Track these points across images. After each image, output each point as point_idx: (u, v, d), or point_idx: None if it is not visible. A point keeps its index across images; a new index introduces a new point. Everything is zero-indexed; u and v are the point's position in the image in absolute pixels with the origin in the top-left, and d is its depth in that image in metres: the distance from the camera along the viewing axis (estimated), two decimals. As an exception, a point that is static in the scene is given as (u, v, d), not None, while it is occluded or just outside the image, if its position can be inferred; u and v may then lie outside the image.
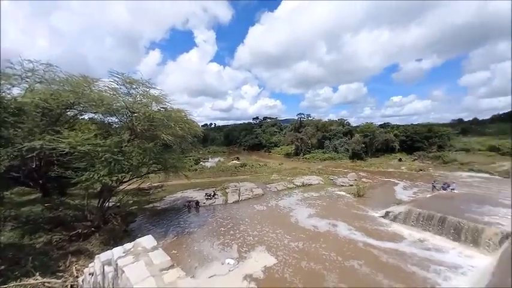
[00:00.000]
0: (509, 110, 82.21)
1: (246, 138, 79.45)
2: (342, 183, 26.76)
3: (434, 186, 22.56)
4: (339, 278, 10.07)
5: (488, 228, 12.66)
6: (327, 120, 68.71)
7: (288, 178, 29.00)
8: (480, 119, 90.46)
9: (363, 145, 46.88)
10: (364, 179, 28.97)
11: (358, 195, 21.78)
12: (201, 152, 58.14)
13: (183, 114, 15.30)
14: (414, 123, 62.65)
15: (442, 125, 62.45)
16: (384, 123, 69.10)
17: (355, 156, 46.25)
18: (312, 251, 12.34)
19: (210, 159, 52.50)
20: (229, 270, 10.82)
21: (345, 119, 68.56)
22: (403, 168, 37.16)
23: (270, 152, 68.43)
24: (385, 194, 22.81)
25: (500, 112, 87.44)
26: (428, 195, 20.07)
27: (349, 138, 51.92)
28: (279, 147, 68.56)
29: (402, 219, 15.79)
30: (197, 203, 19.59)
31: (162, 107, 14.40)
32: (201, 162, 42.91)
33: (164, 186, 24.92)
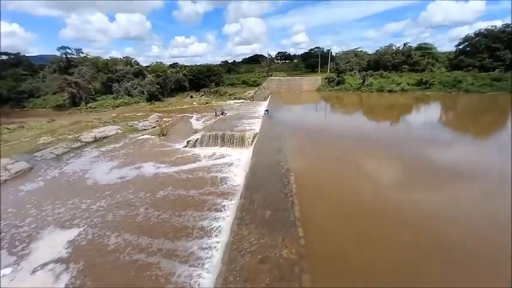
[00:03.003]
0: (253, 54, 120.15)
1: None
2: (144, 127, 25.65)
3: (216, 113, 29.12)
4: (152, 207, 10.74)
5: (246, 132, 19.43)
6: (109, 58, 56.16)
7: (70, 137, 22.04)
8: (237, 61, 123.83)
9: (158, 86, 46.20)
10: (165, 119, 29.93)
11: (162, 134, 22.49)
12: None
13: None
14: (197, 64, 71.65)
15: (216, 65, 77.63)
16: (174, 63, 71.44)
17: (152, 98, 44.96)
18: (121, 200, 11.56)
19: None
20: (11, 281, 7.25)
21: (131, 57, 60.42)
22: (194, 103, 43.02)
23: (25, 107, 45.29)
24: (184, 128, 25.71)
25: (247, 57, 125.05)
26: (213, 121, 25.83)
27: (141, 80, 48.01)
28: (39, 97, 46.90)
29: (199, 143, 19.24)
30: None
31: None
32: None
33: None
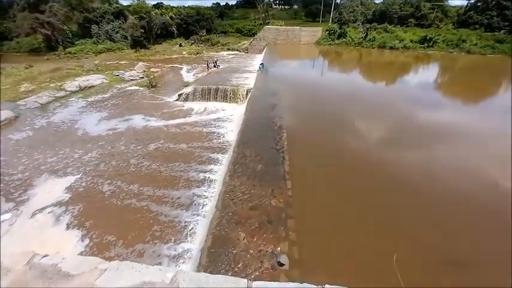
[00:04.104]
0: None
1: None
2: (131, 78, 24.16)
3: (208, 65, 27.41)
4: (144, 158, 11.06)
5: (240, 87, 18.79)
6: (82, -7, 48.37)
7: (53, 85, 20.66)
8: (230, 3, 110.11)
9: (142, 30, 41.62)
10: (153, 69, 28.01)
11: (151, 86, 21.42)
12: None
13: None
14: (185, 6, 63.20)
15: (206, 8, 69.04)
16: (158, 3, 62.79)
17: (137, 44, 41.00)
18: (113, 151, 11.73)
19: None
20: (10, 225, 7.79)
21: (109, -7, 52.32)
22: (184, 53, 39.85)
23: (-4, 50, 40.65)
24: (175, 80, 24.44)
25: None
26: (205, 74, 24.50)
27: (123, 22, 42.86)
28: (12, 40, 41.87)
29: (191, 97, 18.65)
30: None
31: None
32: None
33: None
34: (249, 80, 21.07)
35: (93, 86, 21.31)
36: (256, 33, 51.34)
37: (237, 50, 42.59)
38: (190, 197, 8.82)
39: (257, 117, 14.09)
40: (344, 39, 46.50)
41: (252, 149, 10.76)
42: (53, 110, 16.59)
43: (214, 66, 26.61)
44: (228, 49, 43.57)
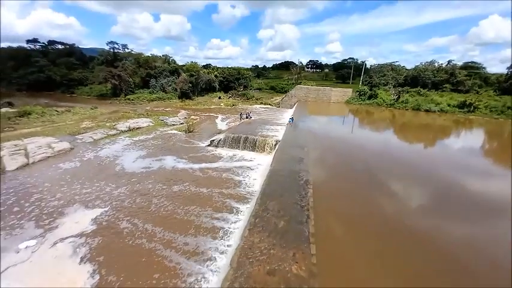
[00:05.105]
0: (283, 61, 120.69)
1: (21, 73, 51.49)
2: (173, 123, 27.00)
3: (241, 116, 29.58)
4: (168, 201, 11.15)
5: (269, 138, 19.42)
6: (149, 55, 60.55)
7: (108, 124, 23.99)
8: (267, 66, 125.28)
9: (190, 84, 48.50)
10: (193, 117, 31.20)
11: (189, 131, 23.45)
12: None
13: None
14: (229, 66, 73.72)
15: (246, 69, 79.12)
16: (207, 64, 74.58)
17: (184, 95, 47.30)
18: (141, 188, 12.24)
19: None
20: (33, 252, 8.01)
21: (170, 56, 64.50)
22: (221, 104, 44.26)
23: (74, 93, 50.55)
24: (210, 127, 26.53)
25: (277, 63, 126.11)
26: (238, 123, 26.25)
27: (176, 77, 50.86)
28: (86, 86, 52.12)
29: (222, 143, 19.67)
30: None
31: None
32: None
33: None
34: (278, 132, 21.81)
35: (140, 128, 24.11)
36: (288, 91, 55.67)
37: (269, 104, 45.91)
38: (204, 248, 8.30)
39: (283, 169, 13.89)
40: (375, 100, 47.35)
41: (275, 202, 10.26)
42: (102, 146, 18.75)
43: (247, 117, 28.57)
44: (261, 103, 47.27)
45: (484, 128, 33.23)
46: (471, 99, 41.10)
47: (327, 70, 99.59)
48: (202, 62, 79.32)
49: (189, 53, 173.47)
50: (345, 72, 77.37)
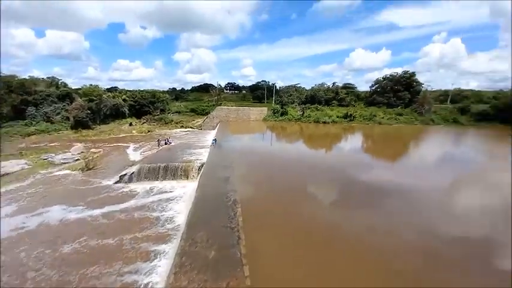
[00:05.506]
0: (203, 83, 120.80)
1: None
2: (63, 161, 21.30)
3: (159, 143, 26.95)
4: (52, 270, 8.39)
5: (192, 163, 18.30)
6: (27, 77, 46.86)
7: None
8: (186, 88, 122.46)
9: (89, 111, 40.62)
10: (93, 149, 25.78)
11: (88, 168, 19.04)
12: None
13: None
14: (141, 89, 67.10)
15: (163, 92, 74.47)
16: (112, 87, 65.76)
17: (80, 125, 38.88)
18: (7, 261, 8.77)
19: None
20: None
21: (59, 78, 52.54)
22: (134, 132, 39.16)
23: None
24: (118, 160, 22.58)
25: (196, 85, 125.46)
26: (155, 151, 23.67)
27: (68, 104, 41.56)
28: None
29: (136, 177, 16.98)
30: None
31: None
32: None
33: None
34: (202, 155, 21.03)
35: (8, 174, 17.64)
36: (209, 112, 55.84)
37: (190, 127, 44.36)
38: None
39: (210, 194, 13.21)
40: (286, 116, 54.40)
41: (204, 231, 9.43)
42: None
43: (166, 144, 26.28)
44: (182, 126, 45.09)
45: (361, 131, 43.74)
46: (351, 111, 53.78)
47: (244, 91, 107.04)
48: (106, 85, 69.12)
49: (87, 75, 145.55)
50: (259, 93, 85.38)
